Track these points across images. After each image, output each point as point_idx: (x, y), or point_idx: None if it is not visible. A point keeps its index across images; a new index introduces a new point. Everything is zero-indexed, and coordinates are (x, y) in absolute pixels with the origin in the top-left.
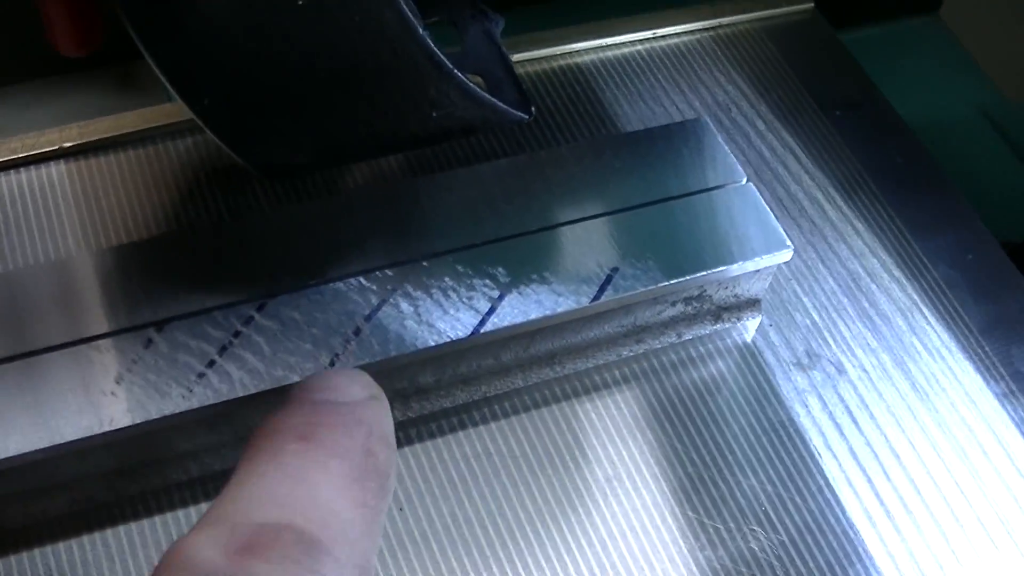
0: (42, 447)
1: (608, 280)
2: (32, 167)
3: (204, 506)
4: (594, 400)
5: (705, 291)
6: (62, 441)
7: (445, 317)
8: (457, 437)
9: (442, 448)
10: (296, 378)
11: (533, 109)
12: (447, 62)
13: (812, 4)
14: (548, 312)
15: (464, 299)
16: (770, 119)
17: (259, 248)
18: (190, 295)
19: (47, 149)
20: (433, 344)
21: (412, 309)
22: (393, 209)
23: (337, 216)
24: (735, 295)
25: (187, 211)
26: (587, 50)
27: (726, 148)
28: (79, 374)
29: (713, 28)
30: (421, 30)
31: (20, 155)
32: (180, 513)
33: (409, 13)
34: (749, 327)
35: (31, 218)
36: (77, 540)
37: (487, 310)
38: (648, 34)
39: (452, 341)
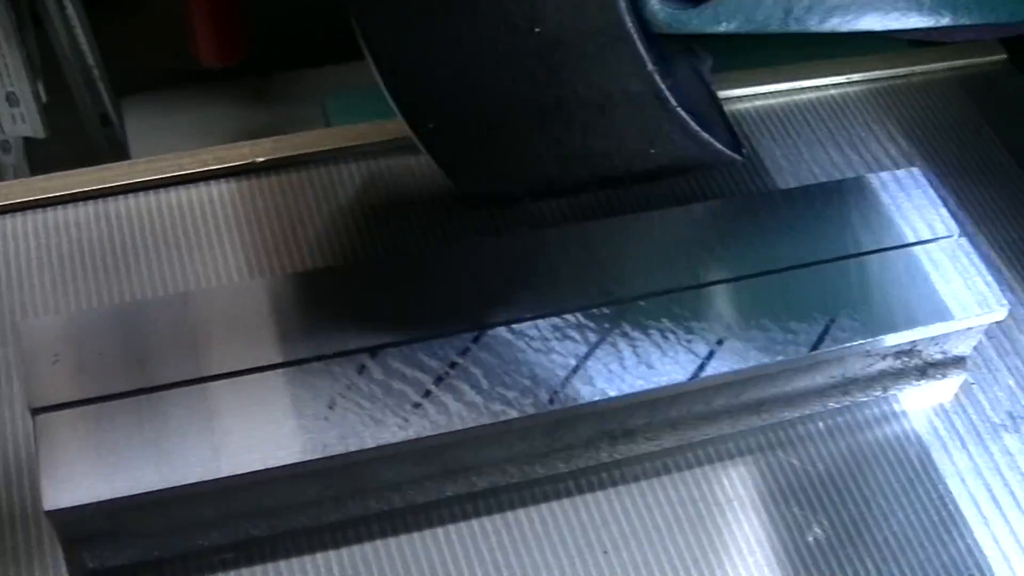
0: (254, 469)
1: (826, 330)
2: (223, 180)
3: (404, 538)
4: (798, 451)
5: (917, 346)
6: (275, 465)
7: (664, 359)
8: (662, 481)
9: (647, 492)
10: (515, 413)
11: (745, 150)
12: (672, 99)
13: (1005, 56)
14: (767, 360)
15: (683, 342)
16: (957, 173)
17: (474, 278)
18: (404, 322)
19: (239, 163)
20: (653, 387)
21: (631, 349)
22: (607, 246)
23: (550, 250)
24: (943, 351)
25: (384, 236)
26: (752, 96)
27: (939, 200)
28: (291, 397)
29: (903, 76)
30: (651, 65)
31: (211, 167)
32: (379, 543)
33: (642, 48)
34: (952, 384)
35: (223, 232)
36: (274, 565)
37: (706, 354)
38: (833, 80)
39: (671, 385)
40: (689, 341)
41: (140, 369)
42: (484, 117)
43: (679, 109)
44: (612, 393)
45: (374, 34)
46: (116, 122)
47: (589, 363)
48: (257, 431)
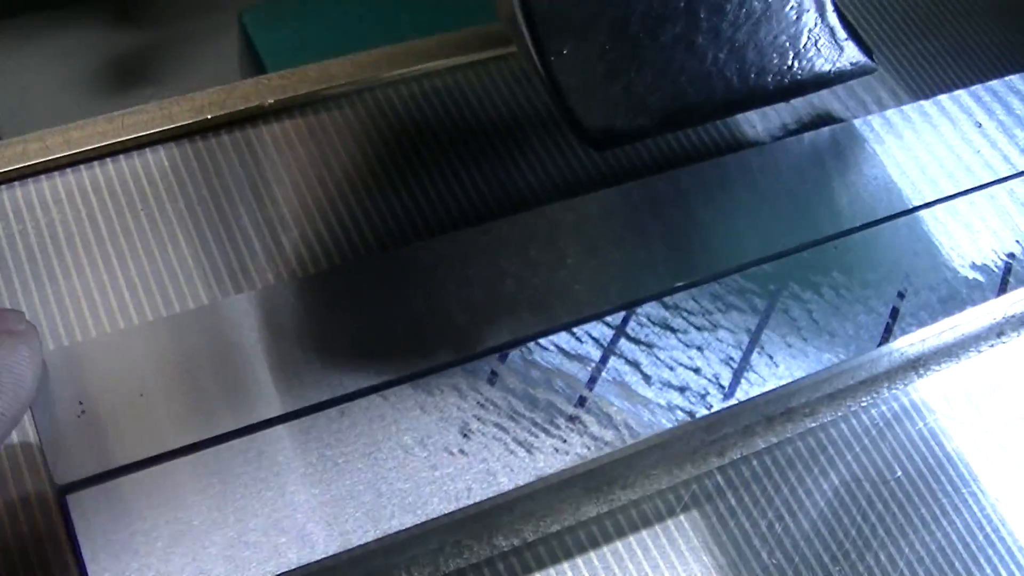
0: (375, 538)
1: (1008, 269)
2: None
3: None
4: (969, 403)
5: None
6: (401, 528)
7: (846, 324)
8: (820, 462)
9: (805, 477)
10: (694, 413)
11: (875, 58)
12: (831, 2)
13: None
14: (956, 311)
15: (860, 300)
16: None
17: (609, 248)
18: (536, 310)
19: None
20: (841, 359)
21: (806, 316)
22: (716, 194)
23: (659, 207)
24: None
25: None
26: None
27: None
28: (413, 428)
29: None
30: None
31: (128, 136)
32: None
33: None
34: None
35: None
36: None
37: (890, 312)
38: None
39: (858, 356)
40: (867, 298)
41: (187, 419)
42: (623, 36)
43: (835, 13)
44: (799, 374)
45: None
46: None
47: (764, 337)
48: (373, 484)
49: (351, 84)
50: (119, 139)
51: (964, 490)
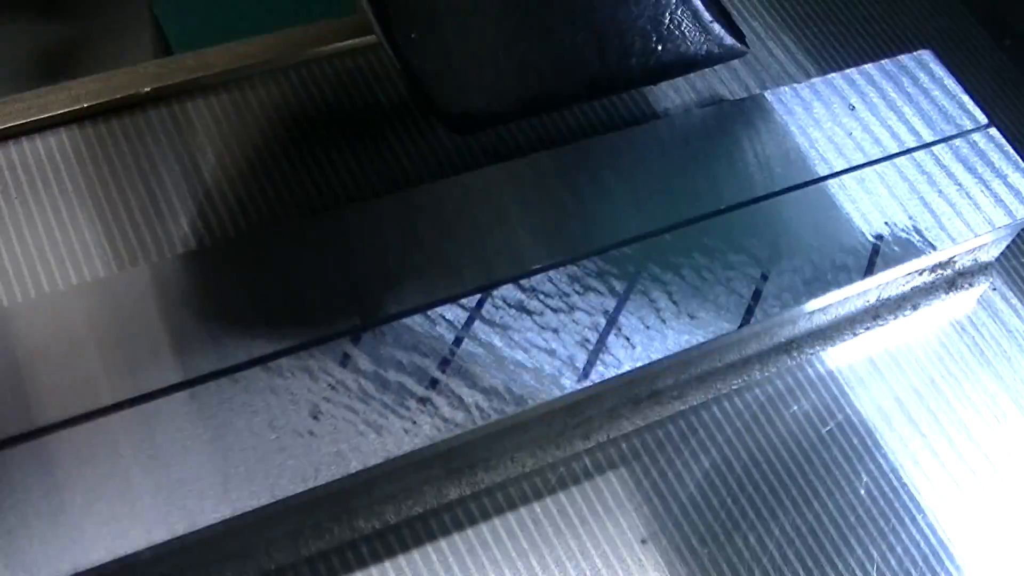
0: (222, 519)
1: (876, 251)
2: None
3: (402, 559)
4: (827, 387)
5: (954, 257)
6: (247, 510)
7: (706, 306)
8: (690, 445)
9: (675, 460)
10: (544, 396)
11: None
12: None
13: None
14: (820, 293)
15: (723, 281)
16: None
17: (467, 231)
18: (390, 293)
19: (61, 111)
20: (700, 341)
21: (666, 297)
22: (590, 174)
23: (523, 187)
24: (975, 259)
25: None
26: None
27: (959, 87)
28: (263, 410)
29: None
30: None
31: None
32: (373, 570)
33: None
34: (975, 294)
35: (54, 198)
36: None
37: (752, 294)
38: None
39: (718, 337)
40: (729, 280)
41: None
42: (473, 21)
43: None
44: (656, 356)
45: None
46: None
47: (622, 319)
48: (223, 464)
49: (227, 72)
50: None
51: (836, 472)
